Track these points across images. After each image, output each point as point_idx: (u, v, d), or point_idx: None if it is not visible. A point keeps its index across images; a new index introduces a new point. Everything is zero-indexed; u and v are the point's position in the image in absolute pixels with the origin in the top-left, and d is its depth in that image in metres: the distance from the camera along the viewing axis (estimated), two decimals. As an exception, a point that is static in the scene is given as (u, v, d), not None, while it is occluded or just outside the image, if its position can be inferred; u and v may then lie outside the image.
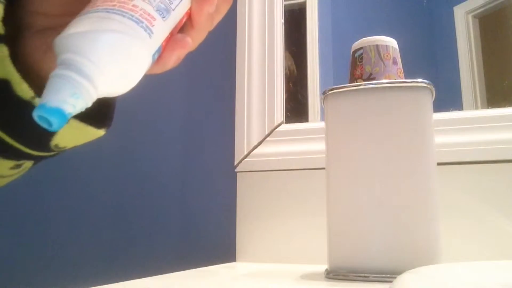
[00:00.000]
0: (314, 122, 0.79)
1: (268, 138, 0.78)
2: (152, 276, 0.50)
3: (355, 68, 0.54)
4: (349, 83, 0.55)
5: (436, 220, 0.49)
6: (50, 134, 0.32)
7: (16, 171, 0.35)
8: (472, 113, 0.69)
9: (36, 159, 0.34)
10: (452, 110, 0.71)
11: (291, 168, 0.74)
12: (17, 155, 0.32)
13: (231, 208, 0.76)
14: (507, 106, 0.68)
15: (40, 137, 0.32)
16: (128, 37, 0.26)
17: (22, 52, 0.31)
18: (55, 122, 0.23)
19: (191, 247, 0.78)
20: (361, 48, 0.55)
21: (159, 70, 0.30)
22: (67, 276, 0.80)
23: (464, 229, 0.63)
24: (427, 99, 0.51)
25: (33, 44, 0.31)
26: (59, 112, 0.23)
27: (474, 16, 0.80)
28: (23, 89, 0.30)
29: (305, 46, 0.83)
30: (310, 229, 0.70)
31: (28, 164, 0.35)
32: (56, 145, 0.33)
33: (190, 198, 0.81)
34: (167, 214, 0.81)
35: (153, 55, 0.27)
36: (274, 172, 0.74)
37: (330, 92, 0.52)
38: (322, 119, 0.64)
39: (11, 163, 0.34)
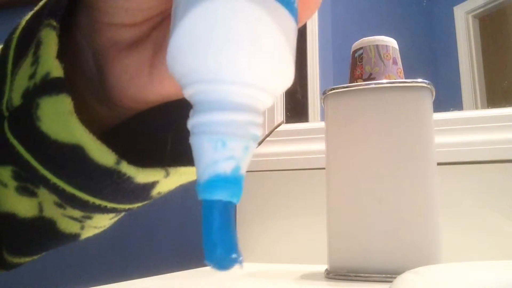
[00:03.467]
0: (314, 122, 0.79)
1: (268, 138, 0.78)
2: (152, 276, 0.50)
3: (355, 68, 0.54)
4: (349, 83, 0.55)
5: (436, 220, 0.49)
6: (150, 188, 0.26)
7: (116, 218, 0.31)
8: (472, 113, 0.69)
9: (137, 209, 0.28)
10: (452, 110, 0.71)
11: (291, 168, 0.74)
12: (115, 212, 0.27)
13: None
14: (507, 106, 0.68)
15: (139, 195, 0.26)
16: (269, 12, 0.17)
17: (108, 84, 0.24)
18: (237, 198, 0.18)
19: (191, 247, 0.78)
20: (361, 48, 0.54)
21: (309, 15, 0.21)
22: (67, 276, 0.80)
23: (464, 229, 0.63)
24: (427, 99, 0.51)
25: (125, 68, 0.24)
26: (238, 188, 0.17)
27: (474, 16, 0.80)
28: (101, 156, 0.23)
29: (305, 46, 0.83)
30: (310, 229, 0.70)
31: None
32: (159, 193, 0.27)
33: (190, 198, 0.81)
34: (167, 214, 0.81)
35: (293, 4, 0.19)
36: (274, 172, 0.74)
37: (330, 92, 0.52)
38: (322, 119, 0.64)
39: (111, 215, 0.29)
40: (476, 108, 0.75)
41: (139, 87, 0.24)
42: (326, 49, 0.84)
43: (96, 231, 0.32)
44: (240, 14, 0.17)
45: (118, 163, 0.23)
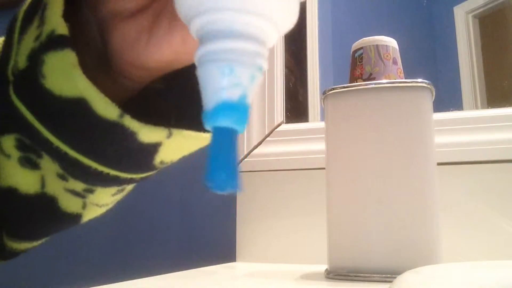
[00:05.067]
0: (314, 122, 0.79)
1: (268, 138, 0.78)
2: (151, 276, 0.50)
3: (355, 68, 0.54)
4: (349, 83, 0.54)
5: (436, 220, 0.48)
6: (153, 151, 0.26)
7: (118, 195, 0.31)
8: (472, 113, 0.69)
9: (140, 180, 0.28)
10: (452, 110, 0.71)
11: (291, 168, 0.74)
12: (117, 182, 0.27)
13: (231, 208, 0.76)
14: (507, 106, 0.68)
15: (141, 159, 0.26)
16: None
17: (110, 50, 0.25)
18: (242, 127, 0.18)
19: (191, 247, 0.78)
20: (361, 48, 0.54)
21: None
22: (67, 275, 0.80)
23: (464, 229, 0.63)
24: (427, 99, 0.51)
25: (125, 35, 0.25)
26: (244, 115, 0.17)
27: (474, 16, 0.80)
28: (105, 108, 0.23)
29: (305, 46, 0.83)
30: (310, 229, 0.70)
31: (130, 186, 0.30)
32: (161, 162, 0.27)
33: (190, 198, 0.81)
34: (167, 214, 0.81)
35: None
36: (274, 172, 0.74)
37: (330, 92, 0.52)
38: (322, 119, 0.64)
39: (113, 189, 0.29)
40: (476, 108, 0.75)
41: (138, 53, 0.25)
42: (326, 49, 0.84)
43: (99, 210, 0.31)
44: None
45: (121, 116, 0.24)
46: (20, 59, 0.24)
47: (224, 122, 0.17)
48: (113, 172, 0.26)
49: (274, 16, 0.18)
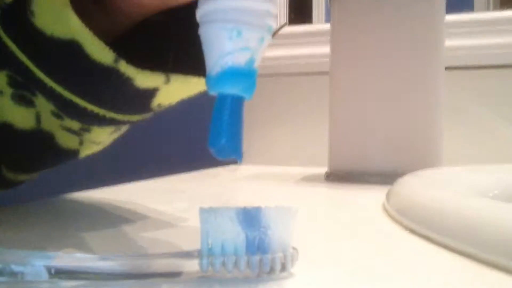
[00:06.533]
0: (319, 24, 0.76)
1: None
2: (153, 178, 0.51)
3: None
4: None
5: (438, 124, 0.48)
6: (150, 96, 0.25)
7: (115, 134, 0.30)
8: (484, 15, 0.67)
9: (137, 122, 0.28)
10: (463, 12, 0.68)
11: (294, 72, 0.72)
12: (114, 123, 0.27)
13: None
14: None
15: (138, 103, 0.25)
16: None
17: None
18: (250, 93, 0.17)
19: (194, 149, 0.79)
20: None
21: None
22: (71, 177, 0.82)
23: (468, 135, 0.63)
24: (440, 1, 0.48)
25: None
26: (252, 82, 0.17)
27: None
28: (99, 52, 0.22)
29: None
30: (311, 132, 0.70)
31: (126, 126, 0.30)
32: (159, 105, 0.26)
33: (192, 100, 0.80)
34: (168, 116, 0.81)
35: None
36: (276, 76, 0.73)
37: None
38: (327, 20, 0.62)
39: (110, 129, 0.28)
40: (488, 9, 0.71)
41: None
42: None
43: (96, 147, 0.31)
44: None
45: (116, 61, 0.22)
46: None
47: (230, 89, 0.16)
48: (109, 114, 0.25)
49: None
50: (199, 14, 0.17)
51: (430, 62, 0.48)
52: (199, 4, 0.17)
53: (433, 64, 0.48)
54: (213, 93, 0.17)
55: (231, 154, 0.17)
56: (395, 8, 0.47)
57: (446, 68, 0.50)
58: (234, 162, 0.17)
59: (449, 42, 0.56)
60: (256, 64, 0.17)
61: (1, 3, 0.23)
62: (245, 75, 0.16)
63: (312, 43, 0.72)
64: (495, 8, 0.72)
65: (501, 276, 0.17)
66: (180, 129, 0.81)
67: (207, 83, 0.16)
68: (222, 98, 0.16)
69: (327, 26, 0.54)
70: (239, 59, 0.16)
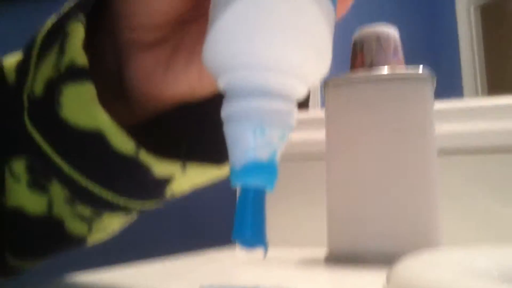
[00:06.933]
0: (314, 111, 0.79)
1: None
2: (149, 260, 0.50)
3: (356, 58, 0.54)
4: (350, 71, 0.54)
5: (436, 205, 0.49)
6: (165, 184, 0.25)
7: (125, 221, 0.30)
8: (473, 101, 0.69)
9: (147, 210, 0.28)
10: (452, 98, 0.71)
11: (291, 158, 0.74)
12: (126, 210, 0.27)
13: (232, 193, 0.76)
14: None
15: (152, 191, 0.26)
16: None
17: (126, 80, 0.25)
18: (271, 185, 0.18)
19: (191, 231, 0.79)
20: (362, 37, 0.54)
21: (345, 9, 0.22)
22: (66, 260, 0.81)
23: (465, 219, 0.63)
24: (428, 90, 0.51)
25: (142, 66, 0.24)
26: (273, 175, 0.17)
27: (476, 6, 0.79)
28: (121, 143, 0.23)
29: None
30: (310, 215, 0.70)
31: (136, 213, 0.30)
32: (172, 193, 0.27)
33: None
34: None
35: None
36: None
37: (331, 81, 0.52)
38: (323, 105, 0.64)
39: (120, 216, 0.29)
40: (477, 95, 0.75)
41: (154, 84, 0.24)
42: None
43: (103, 234, 0.31)
44: (289, 2, 0.17)
45: (137, 151, 0.23)
46: (36, 86, 0.24)
47: (253, 182, 0.17)
48: (123, 202, 0.26)
49: (308, 73, 0.18)
50: (225, 112, 0.17)
51: (422, 146, 0.49)
52: (224, 103, 0.18)
53: (425, 148, 0.49)
54: (237, 185, 0.17)
55: (256, 245, 0.17)
56: (385, 97, 0.49)
57: (440, 152, 0.51)
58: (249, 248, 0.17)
59: (440, 128, 0.58)
60: (278, 158, 0.18)
61: (30, 96, 0.24)
62: (267, 168, 0.17)
63: (309, 129, 0.75)
64: (484, 94, 0.75)
65: None
66: (178, 211, 0.81)
67: (232, 176, 0.17)
68: (246, 190, 0.17)
69: (322, 113, 0.56)
70: (261, 154, 0.17)
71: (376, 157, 0.49)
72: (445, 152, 0.63)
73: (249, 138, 0.17)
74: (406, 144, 0.49)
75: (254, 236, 0.17)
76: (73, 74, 0.22)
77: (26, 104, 0.24)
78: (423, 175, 0.49)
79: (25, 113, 0.24)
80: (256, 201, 0.17)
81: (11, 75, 0.27)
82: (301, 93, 0.18)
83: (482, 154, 0.64)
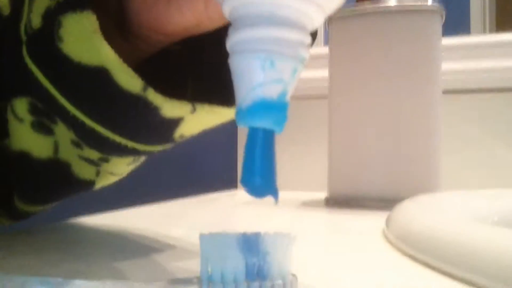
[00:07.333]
0: (317, 47, 0.77)
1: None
2: (150, 203, 0.51)
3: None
4: (355, 5, 0.52)
5: (437, 149, 0.48)
6: (174, 126, 0.24)
7: (133, 165, 0.30)
8: (480, 38, 0.67)
9: (157, 153, 0.27)
10: (460, 35, 0.68)
11: (292, 96, 0.73)
12: (134, 153, 0.26)
13: (232, 136, 0.76)
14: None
15: (161, 133, 0.25)
16: None
17: (128, 12, 0.23)
18: (281, 127, 0.16)
19: (192, 174, 0.79)
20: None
21: None
22: (66, 203, 0.82)
23: (466, 159, 0.63)
24: (437, 23, 0.49)
25: None
26: (283, 115, 0.16)
27: None
28: (127, 80, 0.22)
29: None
30: (310, 158, 0.70)
31: (144, 157, 0.29)
32: (181, 136, 0.26)
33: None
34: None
35: None
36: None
37: (336, 14, 0.50)
38: (326, 43, 0.62)
39: (128, 159, 0.28)
40: (484, 32, 0.72)
41: (157, 16, 0.23)
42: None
43: (112, 179, 0.30)
44: None
45: (144, 89, 0.22)
46: (33, 17, 0.22)
47: (261, 122, 0.15)
48: (131, 144, 0.25)
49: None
50: (230, 43, 0.16)
51: (427, 85, 0.48)
52: (229, 33, 0.16)
53: (430, 87, 0.48)
54: (243, 126, 0.16)
55: (266, 193, 0.16)
56: (392, 31, 0.48)
57: (444, 92, 0.50)
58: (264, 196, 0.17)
59: (446, 66, 0.56)
60: (288, 97, 0.16)
61: (28, 29, 0.23)
62: (277, 108, 0.16)
63: (310, 66, 0.73)
64: (491, 31, 0.73)
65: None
66: (179, 154, 0.81)
67: (237, 115, 0.16)
68: (253, 133, 0.16)
69: (326, 49, 0.54)
70: (271, 92, 0.15)
71: (379, 96, 0.48)
72: (449, 91, 0.62)
73: (257, 73, 0.15)
74: (412, 83, 0.47)
75: (264, 182, 0.16)
76: (72, 2, 0.21)
77: (23, 37, 0.23)
78: (426, 117, 0.48)
79: (24, 48, 0.23)
80: (264, 143, 0.16)
81: (5, 8, 0.25)
82: (317, 22, 0.16)
83: (489, 93, 0.63)
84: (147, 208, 0.48)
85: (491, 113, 0.63)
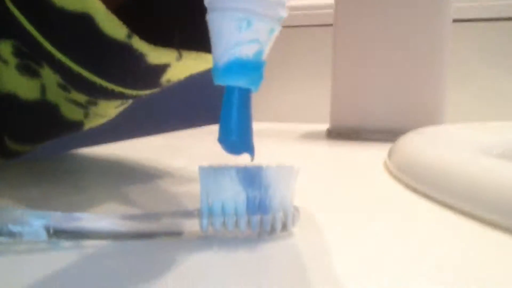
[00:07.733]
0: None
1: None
2: (151, 135, 0.50)
3: None
4: None
5: (443, 80, 0.47)
6: (160, 72, 0.24)
7: (121, 107, 0.30)
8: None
9: (144, 96, 0.28)
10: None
11: (296, 24, 0.71)
12: (121, 97, 0.26)
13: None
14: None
15: (147, 78, 0.25)
16: None
17: None
18: (256, 86, 0.16)
19: (193, 107, 0.79)
20: None
21: None
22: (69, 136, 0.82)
23: (471, 90, 0.62)
24: None
25: None
26: (259, 74, 0.16)
27: None
28: (111, 27, 0.21)
29: None
30: (313, 88, 0.69)
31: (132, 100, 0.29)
32: (168, 80, 0.26)
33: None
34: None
35: None
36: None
37: None
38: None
39: (116, 102, 0.28)
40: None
41: None
42: None
43: (100, 120, 0.31)
44: None
45: (129, 37, 0.22)
46: None
47: (237, 81, 0.16)
48: (118, 89, 0.25)
49: None
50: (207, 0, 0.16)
51: (437, 15, 0.46)
52: None
53: (440, 17, 0.47)
54: (219, 84, 0.16)
55: (242, 150, 0.16)
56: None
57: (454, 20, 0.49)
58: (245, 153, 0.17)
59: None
60: (264, 56, 0.16)
61: None
62: (253, 67, 0.16)
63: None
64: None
65: (502, 235, 0.17)
66: (177, 86, 0.80)
67: (214, 73, 0.16)
68: (230, 91, 0.16)
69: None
70: (247, 51, 0.15)
71: (386, 25, 0.46)
72: (457, 20, 0.60)
73: (233, 33, 0.15)
74: (422, 8, 0.46)
75: (240, 140, 0.16)
76: None
77: None
78: (434, 46, 0.46)
79: None
80: (241, 102, 0.16)
81: None
82: None
83: (498, 22, 0.61)
84: (146, 140, 0.47)
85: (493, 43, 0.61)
